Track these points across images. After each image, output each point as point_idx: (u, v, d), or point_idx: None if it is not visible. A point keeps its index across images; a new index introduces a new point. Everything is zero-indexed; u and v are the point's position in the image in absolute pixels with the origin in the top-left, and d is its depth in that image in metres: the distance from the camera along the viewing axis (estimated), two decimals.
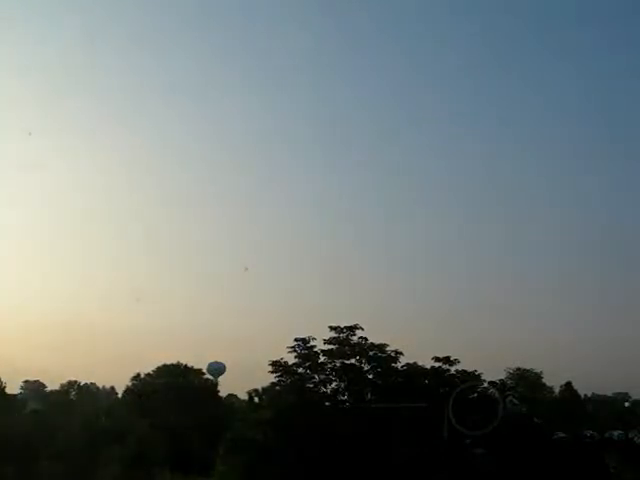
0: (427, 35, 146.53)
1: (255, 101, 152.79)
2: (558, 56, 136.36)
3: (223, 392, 77.51)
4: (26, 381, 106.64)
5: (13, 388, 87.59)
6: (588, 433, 53.87)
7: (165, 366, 67.51)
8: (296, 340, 34.02)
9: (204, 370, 71.92)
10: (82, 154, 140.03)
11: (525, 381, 57.26)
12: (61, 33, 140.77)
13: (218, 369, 74.81)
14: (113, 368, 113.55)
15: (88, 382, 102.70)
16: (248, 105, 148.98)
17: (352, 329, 34.13)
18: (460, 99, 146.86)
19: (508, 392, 37.08)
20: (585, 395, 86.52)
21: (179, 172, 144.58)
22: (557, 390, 79.17)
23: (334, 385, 34.48)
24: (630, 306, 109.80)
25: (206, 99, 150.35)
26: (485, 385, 35.74)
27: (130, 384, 70.34)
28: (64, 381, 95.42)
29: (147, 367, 70.38)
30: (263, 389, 54.23)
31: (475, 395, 35.04)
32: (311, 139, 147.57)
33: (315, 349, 34.10)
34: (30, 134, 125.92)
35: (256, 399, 65.86)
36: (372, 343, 34.21)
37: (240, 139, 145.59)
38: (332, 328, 34.11)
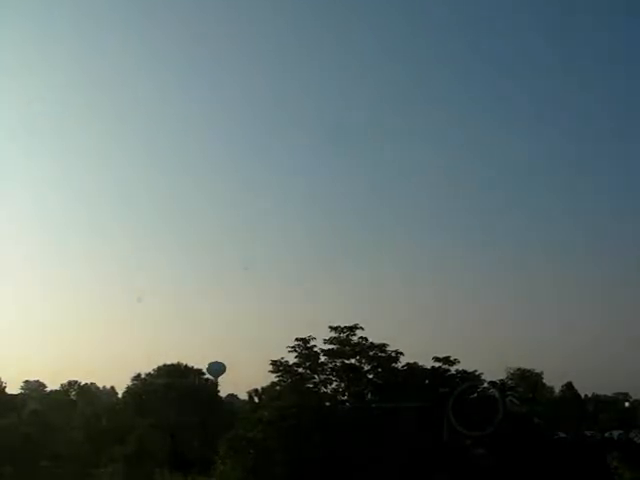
0: None
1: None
2: None
3: (223, 392, 77.63)
4: (26, 381, 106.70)
5: (13, 388, 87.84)
6: (588, 433, 53.87)
7: (165, 366, 67.50)
8: (297, 340, 34.01)
9: (204, 370, 71.95)
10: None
11: (525, 381, 57.31)
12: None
13: (218, 369, 74.79)
14: (113, 368, 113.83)
15: (88, 382, 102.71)
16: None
17: (352, 329, 34.13)
18: None
19: (508, 392, 36.94)
20: (585, 395, 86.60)
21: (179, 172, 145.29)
22: (557, 390, 79.30)
23: (334, 385, 34.46)
24: (630, 306, 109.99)
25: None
26: (485, 385, 35.66)
27: (130, 384, 70.32)
28: (64, 381, 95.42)
29: (147, 367, 70.43)
30: (263, 389, 54.24)
31: (475, 395, 34.98)
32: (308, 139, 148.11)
33: (315, 349, 34.08)
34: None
35: (256, 399, 65.92)
36: (372, 343, 34.20)
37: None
38: (332, 328, 34.11)
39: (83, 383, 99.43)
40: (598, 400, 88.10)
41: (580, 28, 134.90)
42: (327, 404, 34.44)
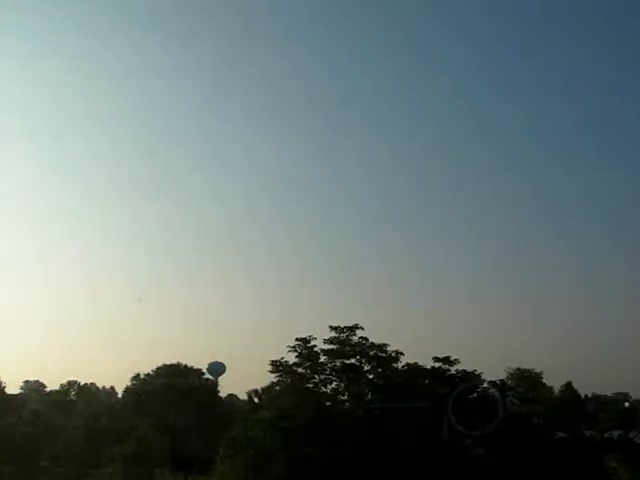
0: None
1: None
2: None
3: (223, 392, 77.57)
4: (26, 381, 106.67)
5: (13, 388, 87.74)
6: (588, 433, 53.81)
7: (165, 366, 67.38)
8: (297, 340, 33.92)
9: (204, 370, 71.85)
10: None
11: (525, 381, 57.15)
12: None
13: (218, 369, 74.70)
14: (113, 368, 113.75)
15: (88, 382, 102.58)
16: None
17: (352, 329, 34.03)
18: None
19: (508, 392, 36.91)
20: (585, 395, 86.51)
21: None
22: (557, 390, 79.14)
23: (334, 385, 34.37)
24: (630, 306, 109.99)
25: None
26: (485, 385, 35.63)
27: (130, 384, 70.25)
28: (64, 381, 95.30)
29: (147, 367, 70.35)
30: (263, 389, 54.20)
31: (475, 395, 34.94)
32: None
33: (315, 349, 33.99)
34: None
35: (256, 399, 65.88)
36: (372, 343, 34.10)
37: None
38: (333, 328, 34.01)
39: (83, 383, 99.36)
40: (598, 400, 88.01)
41: None
42: (327, 404, 34.34)
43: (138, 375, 69.20)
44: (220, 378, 74.83)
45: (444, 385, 34.15)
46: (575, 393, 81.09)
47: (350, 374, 33.91)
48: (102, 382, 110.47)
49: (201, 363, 71.38)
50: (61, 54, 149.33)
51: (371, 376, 34.44)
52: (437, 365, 34.69)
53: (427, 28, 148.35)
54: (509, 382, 41.05)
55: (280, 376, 34.32)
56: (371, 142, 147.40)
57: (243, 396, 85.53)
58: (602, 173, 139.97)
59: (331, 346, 33.98)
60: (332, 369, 33.92)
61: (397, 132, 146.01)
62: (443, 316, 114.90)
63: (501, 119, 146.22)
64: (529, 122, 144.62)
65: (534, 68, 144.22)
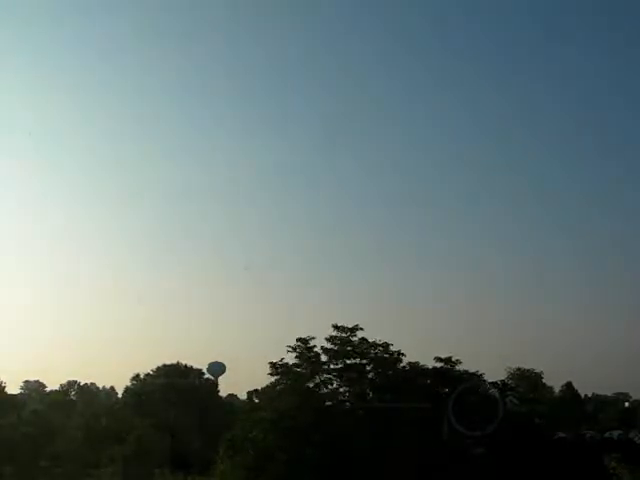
0: None
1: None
2: None
3: (223, 392, 77.64)
4: (26, 381, 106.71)
5: (13, 388, 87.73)
6: (588, 433, 53.85)
7: (165, 366, 67.43)
8: (297, 340, 33.83)
9: (204, 370, 71.88)
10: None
11: (525, 381, 57.19)
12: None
13: (218, 369, 74.77)
14: (113, 368, 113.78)
15: (88, 382, 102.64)
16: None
17: (353, 330, 33.95)
18: None
19: (508, 392, 36.90)
20: (585, 395, 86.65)
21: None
22: (557, 390, 79.25)
23: (335, 385, 34.31)
24: (630, 307, 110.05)
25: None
26: (485, 385, 35.61)
27: (130, 384, 70.31)
28: (64, 381, 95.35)
29: (147, 367, 70.38)
30: (262, 389, 54.16)
31: (475, 395, 34.92)
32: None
33: (316, 349, 33.91)
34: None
35: (256, 400, 65.89)
36: (375, 342, 34.04)
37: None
38: (335, 327, 33.89)
39: (83, 383, 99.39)
40: (598, 400, 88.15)
41: None
42: (328, 404, 34.29)
43: (138, 375, 69.28)
44: (220, 378, 74.91)
45: (445, 385, 34.13)
46: (575, 393, 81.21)
47: (351, 374, 33.86)
48: (102, 382, 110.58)
49: (201, 363, 71.50)
50: (61, 55, 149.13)
51: (372, 376, 34.37)
52: (439, 365, 34.61)
53: (427, 28, 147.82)
54: (509, 382, 41.03)
55: (280, 378, 34.23)
56: (371, 142, 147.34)
57: (243, 396, 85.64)
58: (602, 173, 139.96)
59: (332, 346, 33.87)
60: (333, 369, 33.86)
61: (397, 132, 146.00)
62: (443, 316, 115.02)
63: (501, 119, 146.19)
64: (529, 122, 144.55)
65: (534, 68, 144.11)
